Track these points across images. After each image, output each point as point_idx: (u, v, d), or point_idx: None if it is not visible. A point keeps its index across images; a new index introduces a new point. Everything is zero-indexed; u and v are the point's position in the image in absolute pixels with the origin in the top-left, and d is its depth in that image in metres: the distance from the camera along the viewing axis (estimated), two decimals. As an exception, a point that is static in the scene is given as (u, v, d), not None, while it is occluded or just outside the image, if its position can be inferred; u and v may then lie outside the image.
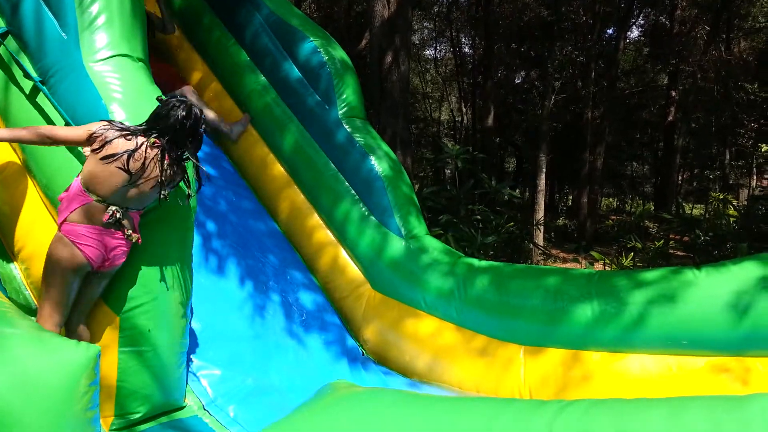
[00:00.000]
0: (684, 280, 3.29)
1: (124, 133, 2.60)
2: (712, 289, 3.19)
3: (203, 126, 2.82)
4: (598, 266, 8.22)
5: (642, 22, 18.55)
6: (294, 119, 4.68)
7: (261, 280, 4.11)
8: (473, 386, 3.71)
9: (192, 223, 3.21)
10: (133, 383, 2.80)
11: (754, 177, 17.28)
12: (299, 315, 4.09)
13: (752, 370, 3.03)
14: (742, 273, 3.15)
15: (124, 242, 2.67)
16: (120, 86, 2.92)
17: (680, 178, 19.62)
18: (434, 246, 4.21)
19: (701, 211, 14.79)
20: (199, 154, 3.03)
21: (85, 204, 2.56)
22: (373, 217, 4.35)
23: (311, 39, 4.62)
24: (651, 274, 3.47)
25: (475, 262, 4.05)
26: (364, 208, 4.38)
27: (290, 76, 4.70)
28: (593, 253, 7.03)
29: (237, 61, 4.88)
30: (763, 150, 8.78)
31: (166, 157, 2.66)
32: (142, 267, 2.84)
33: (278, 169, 4.74)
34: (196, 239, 3.60)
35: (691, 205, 11.82)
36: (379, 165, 4.33)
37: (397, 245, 4.22)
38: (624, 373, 3.33)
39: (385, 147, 4.50)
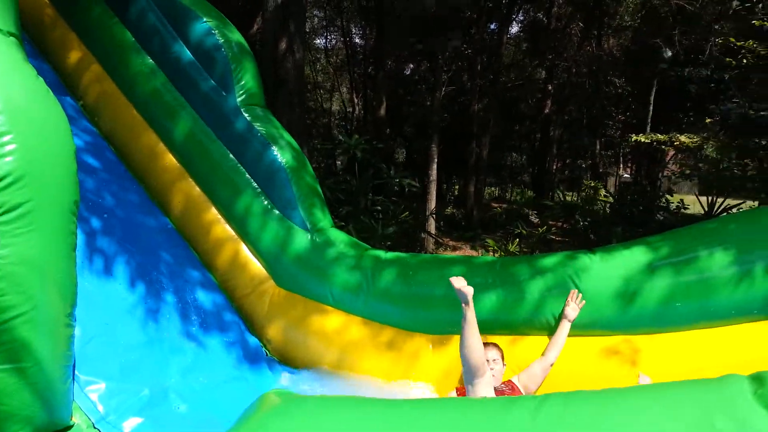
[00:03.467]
0: (580, 264, 3.46)
1: None
2: (605, 271, 3.37)
3: None
4: (482, 253, 8.55)
5: (522, 18, 19.51)
6: (187, 106, 4.36)
7: (153, 280, 3.79)
8: (382, 379, 3.68)
9: (74, 220, 2.87)
10: (13, 404, 2.45)
11: (621, 166, 18.85)
12: (197, 315, 3.83)
13: (640, 351, 3.24)
14: (631, 255, 3.35)
15: None
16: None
17: (555, 167, 20.94)
18: (340, 239, 4.11)
19: (574, 198, 15.90)
20: (79, 143, 2.71)
21: None
22: (276, 210, 4.17)
23: (205, 20, 4.32)
24: (549, 260, 3.61)
25: (382, 254, 4.00)
26: (266, 201, 4.18)
27: (182, 59, 4.37)
28: (489, 241, 7.28)
29: (120, 41, 4.46)
30: (632, 140, 9.55)
31: None
32: (19, 272, 2.49)
33: (170, 160, 4.41)
34: (79, 237, 3.24)
35: (564, 193, 12.64)
36: (282, 155, 4.14)
37: (302, 239, 4.08)
38: (525, 355, 3.46)
39: (288, 136, 4.32)
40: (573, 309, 3.35)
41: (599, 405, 1.47)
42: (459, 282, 3.18)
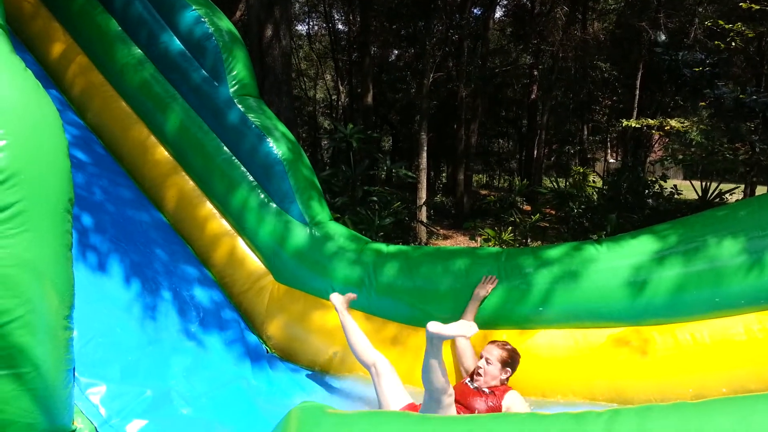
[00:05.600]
0: (586, 255, 3.41)
1: None
2: (612, 262, 3.33)
3: None
4: (480, 242, 8.50)
5: (506, 2, 19.40)
6: (178, 97, 4.23)
7: (149, 278, 3.69)
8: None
9: (69, 219, 2.76)
10: (12, 412, 2.35)
11: (609, 151, 18.92)
12: (196, 313, 3.74)
13: (650, 341, 3.21)
14: (639, 245, 3.31)
15: None
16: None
17: (542, 153, 20.99)
18: (340, 232, 4.02)
19: (563, 184, 15.94)
20: (67, 137, 2.59)
21: None
22: (273, 204, 4.07)
23: (193, 7, 4.19)
24: (555, 251, 3.56)
25: (383, 247, 3.93)
26: (263, 195, 4.08)
27: (171, 49, 4.24)
28: (488, 230, 7.23)
29: (106, 31, 4.30)
30: (623, 125, 9.54)
31: None
32: (13, 274, 2.38)
33: (161, 154, 4.28)
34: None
35: (557, 179, 12.65)
36: (277, 148, 4.03)
37: (300, 233, 3.99)
38: (533, 348, 3.41)
39: (282, 128, 4.21)
40: (484, 289, 3.42)
41: (675, 420, 1.41)
42: (335, 299, 3.46)
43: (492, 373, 3.10)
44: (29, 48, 4.77)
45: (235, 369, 3.58)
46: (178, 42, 4.24)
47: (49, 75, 4.64)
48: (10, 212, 2.30)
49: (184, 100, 4.23)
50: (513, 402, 3.00)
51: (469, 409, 3.01)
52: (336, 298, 3.52)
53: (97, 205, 3.86)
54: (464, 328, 2.72)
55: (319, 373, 3.80)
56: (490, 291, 3.44)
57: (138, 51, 4.33)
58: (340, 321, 3.46)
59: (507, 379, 3.16)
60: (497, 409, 2.98)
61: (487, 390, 3.05)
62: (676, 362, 3.08)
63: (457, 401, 3.00)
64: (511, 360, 3.15)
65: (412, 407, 3.04)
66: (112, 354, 3.09)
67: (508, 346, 3.20)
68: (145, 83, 4.28)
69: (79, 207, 3.67)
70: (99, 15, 4.34)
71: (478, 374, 3.11)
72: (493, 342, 3.23)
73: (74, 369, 2.80)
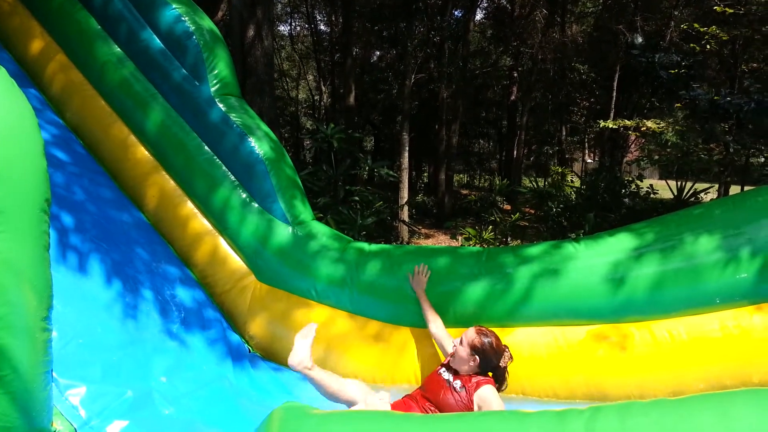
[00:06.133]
0: (565, 254, 3.46)
1: None
2: (590, 260, 3.38)
3: None
4: (461, 241, 8.57)
5: (486, 4, 19.55)
6: (158, 96, 4.20)
7: (130, 277, 3.66)
8: (369, 373, 3.64)
9: (47, 219, 2.72)
10: (-10, 415, 2.33)
11: (587, 151, 19.14)
12: (178, 313, 3.72)
13: (629, 337, 3.27)
14: (617, 243, 3.37)
15: None
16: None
17: (522, 153, 21.18)
18: (322, 231, 4.03)
19: (542, 184, 16.11)
20: (46, 136, 2.57)
21: None
22: (255, 204, 4.06)
23: (173, 6, 4.15)
24: (535, 250, 3.61)
25: (366, 246, 3.95)
26: (245, 194, 4.07)
27: (151, 47, 4.20)
28: (469, 230, 7.29)
29: (86, 28, 4.25)
30: (601, 125, 9.68)
31: None
32: (-9, 274, 2.35)
33: (142, 153, 4.25)
34: (51, 235, 3.09)
35: (536, 179, 12.78)
36: (259, 147, 4.02)
37: (283, 232, 3.98)
38: (514, 346, 3.44)
39: (265, 127, 4.20)
40: (418, 282, 3.53)
41: (656, 417, 1.43)
42: (294, 360, 3.20)
43: (460, 354, 2.96)
44: (6, 46, 4.69)
45: (217, 369, 3.56)
46: (158, 40, 4.21)
47: (27, 73, 4.57)
48: (-12, 212, 2.27)
49: (164, 99, 4.20)
50: (485, 399, 2.79)
51: (438, 406, 2.90)
52: (294, 361, 3.12)
53: (77, 204, 3.81)
54: (293, 357, 3.04)
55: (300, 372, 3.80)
56: (425, 280, 3.54)
57: (117, 49, 4.29)
58: (310, 381, 3.14)
59: (478, 370, 2.97)
60: (468, 406, 2.82)
61: (458, 386, 2.90)
62: (653, 359, 3.14)
63: (426, 398, 2.98)
64: (481, 348, 2.95)
65: (403, 403, 3.01)
66: (92, 354, 3.06)
67: (486, 336, 3.00)
68: (125, 82, 4.24)
69: (59, 206, 3.63)
70: (78, 12, 4.29)
71: (452, 355, 3.05)
72: (478, 327, 3.08)
73: (52, 370, 2.78)
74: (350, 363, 3.66)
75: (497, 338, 3.07)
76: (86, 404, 2.82)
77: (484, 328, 3.09)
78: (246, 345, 3.96)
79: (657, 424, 1.41)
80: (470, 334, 3.03)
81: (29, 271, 2.52)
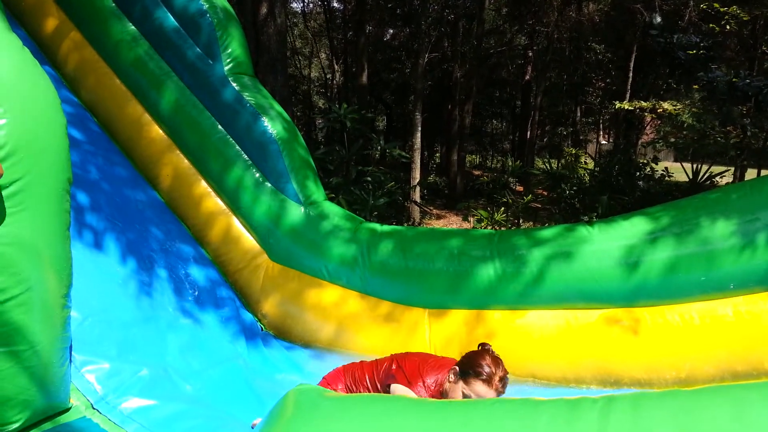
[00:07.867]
0: (578, 237, 3.44)
1: None
2: (604, 243, 3.36)
3: None
4: (473, 223, 8.56)
5: (502, -18, 19.20)
6: (172, 75, 4.20)
7: (144, 257, 3.70)
8: (379, 353, 3.66)
9: (68, 198, 2.75)
10: (9, 389, 2.38)
11: (601, 132, 18.93)
12: (191, 291, 3.76)
13: (641, 321, 3.27)
14: (632, 227, 3.35)
15: None
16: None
17: (536, 134, 20.99)
18: (334, 212, 4.04)
19: (556, 166, 16.00)
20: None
21: None
22: (268, 183, 4.07)
23: (188, -16, 4.13)
24: (547, 232, 3.60)
25: (378, 227, 3.95)
26: (258, 174, 4.08)
27: (165, 26, 4.19)
28: (481, 211, 7.27)
29: (100, 6, 4.25)
30: (616, 107, 9.56)
31: None
32: (10, 253, 2.38)
33: (156, 132, 4.26)
34: (68, 214, 3.12)
35: (550, 161, 12.69)
36: (272, 127, 4.02)
37: (295, 212, 4.00)
38: (525, 328, 3.46)
39: (278, 107, 4.20)
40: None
41: (672, 409, 1.43)
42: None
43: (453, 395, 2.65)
44: (21, 24, 4.70)
45: (230, 347, 3.61)
46: (172, 19, 4.20)
47: (42, 51, 4.58)
48: (10, 191, 2.30)
49: (178, 78, 4.20)
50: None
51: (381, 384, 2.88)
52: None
53: (92, 183, 3.84)
54: None
55: (314, 351, 3.84)
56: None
57: (132, 27, 4.29)
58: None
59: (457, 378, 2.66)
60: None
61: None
62: (665, 342, 3.14)
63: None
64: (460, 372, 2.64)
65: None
66: (108, 332, 3.11)
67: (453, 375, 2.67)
68: (139, 60, 4.24)
69: (74, 185, 3.65)
70: (92, -10, 4.29)
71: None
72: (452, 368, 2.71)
73: (71, 347, 2.83)
74: (361, 342, 3.69)
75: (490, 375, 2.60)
76: (102, 381, 2.88)
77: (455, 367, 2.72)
78: (259, 323, 4.00)
79: (671, 417, 1.41)
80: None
81: (49, 251, 2.55)
